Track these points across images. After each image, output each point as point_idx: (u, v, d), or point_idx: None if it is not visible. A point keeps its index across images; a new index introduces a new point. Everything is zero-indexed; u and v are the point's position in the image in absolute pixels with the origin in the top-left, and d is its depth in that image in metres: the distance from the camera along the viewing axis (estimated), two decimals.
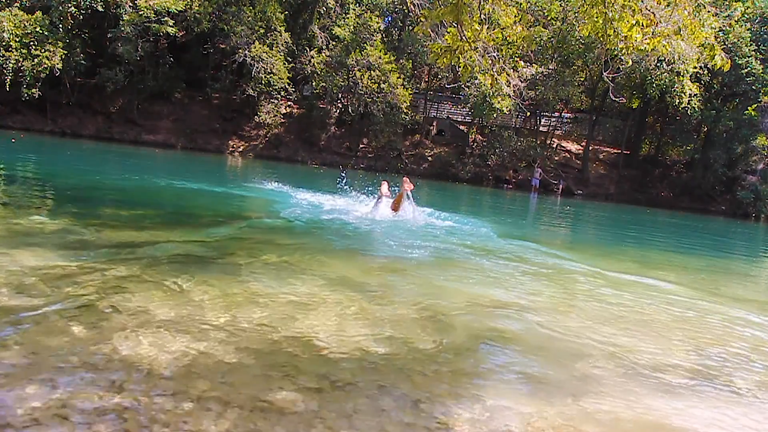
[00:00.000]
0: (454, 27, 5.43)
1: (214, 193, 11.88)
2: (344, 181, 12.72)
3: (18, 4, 25.71)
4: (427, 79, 34.50)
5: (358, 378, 2.98)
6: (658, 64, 23.89)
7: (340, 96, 29.19)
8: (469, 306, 4.65)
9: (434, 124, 32.68)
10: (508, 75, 5.94)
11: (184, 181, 13.50)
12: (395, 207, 9.31)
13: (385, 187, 9.81)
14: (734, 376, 3.68)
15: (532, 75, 25.68)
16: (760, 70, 26.35)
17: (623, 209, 24.50)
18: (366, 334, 3.65)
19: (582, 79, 30.92)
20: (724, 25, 24.21)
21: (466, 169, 29.73)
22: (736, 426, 2.96)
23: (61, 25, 25.79)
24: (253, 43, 27.06)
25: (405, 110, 28.54)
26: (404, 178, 9.62)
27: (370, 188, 11.78)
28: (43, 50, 25.02)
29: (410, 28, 30.42)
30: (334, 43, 29.40)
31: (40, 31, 24.97)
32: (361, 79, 27.38)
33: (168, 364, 2.85)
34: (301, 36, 30.60)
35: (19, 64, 24.71)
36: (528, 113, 30.86)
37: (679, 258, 9.79)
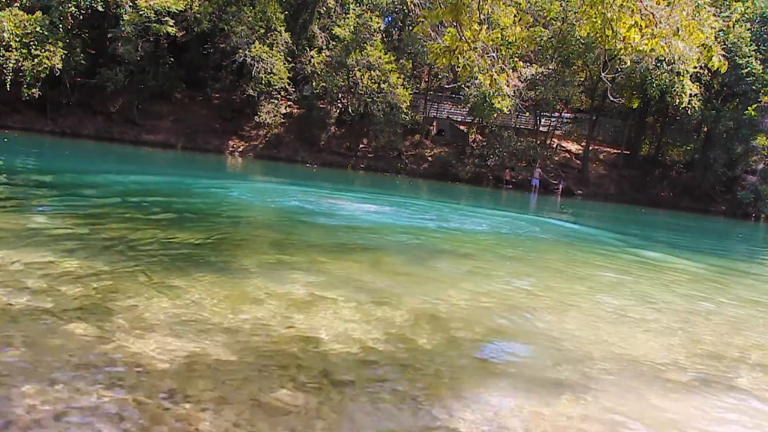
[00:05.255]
0: (454, 27, 5.44)
1: (213, 192, 11.88)
2: None
3: (18, 4, 25.70)
4: (427, 79, 34.49)
5: (358, 376, 2.99)
6: (658, 64, 23.90)
7: (340, 96, 29.18)
8: (471, 304, 4.66)
9: (434, 124, 32.67)
10: (508, 75, 5.95)
11: (184, 180, 13.50)
12: None
13: None
14: (737, 376, 3.69)
15: (532, 75, 25.69)
16: (760, 70, 26.34)
17: (623, 209, 24.51)
18: (366, 332, 3.66)
19: (582, 79, 30.91)
20: (723, 25, 24.19)
21: (466, 169, 29.72)
22: (738, 426, 2.97)
23: (61, 25, 25.76)
24: (253, 43, 27.04)
25: (405, 110, 28.52)
26: None
27: None
28: (43, 50, 24.99)
29: (410, 28, 30.39)
30: (334, 43, 29.39)
31: (40, 31, 24.95)
32: (361, 79, 27.37)
33: (167, 363, 2.86)
34: (301, 36, 30.59)
35: (19, 64, 24.69)
36: (528, 113, 30.86)
37: (680, 257, 9.79)
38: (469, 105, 29.12)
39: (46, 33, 25.06)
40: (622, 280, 6.83)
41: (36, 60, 24.85)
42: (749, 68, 26.27)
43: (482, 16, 5.32)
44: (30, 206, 7.40)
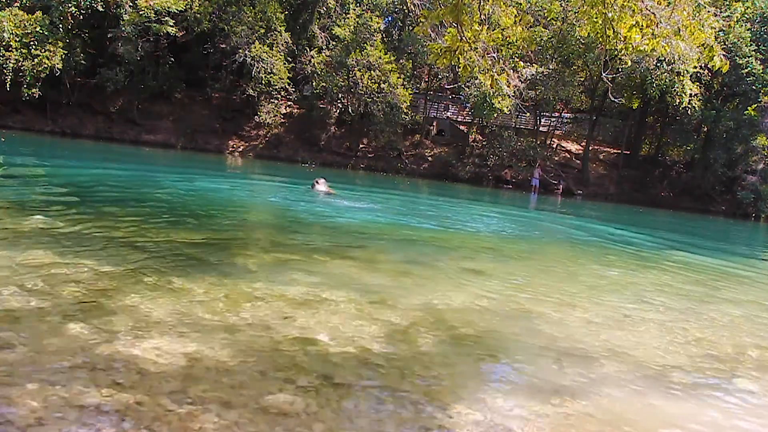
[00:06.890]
0: (454, 27, 5.43)
1: (213, 192, 11.88)
2: None
3: (18, 4, 25.68)
4: (427, 79, 34.48)
5: (358, 378, 2.98)
6: (658, 64, 23.88)
7: (340, 96, 29.16)
8: (470, 304, 4.66)
9: (434, 124, 32.67)
10: (508, 75, 5.94)
11: (184, 180, 13.51)
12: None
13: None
14: (737, 376, 3.69)
15: (532, 75, 25.67)
16: (760, 70, 26.33)
17: (623, 209, 24.51)
18: (365, 332, 3.65)
19: (582, 79, 30.90)
20: (724, 25, 24.20)
21: (466, 169, 29.72)
22: (739, 426, 2.97)
23: (61, 25, 25.75)
24: (253, 43, 27.04)
25: (405, 110, 28.51)
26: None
27: None
28: (43, 50, 24.98)
29: (410, 28, 30.40)
30: (334, 43, 29.39)
31: (40, 31, 24.93)
32: (361, 79, 27.36)
33: (168, 364, 2.86)
34: (301, 36, 30.58)
35: (19, 64, 24.68)
36: (528, 113, 30.87)
37: (680, 256, 9.79)
38: (469, 105, 29.12)
39: (46, 33, 25.05)
40: (623, 279, 6.83)
41: (36, 60, 24.84)
42: (749, 68, 26.26)
43: (482, 17, 5.32)
44: (30, 206, 7.39)
